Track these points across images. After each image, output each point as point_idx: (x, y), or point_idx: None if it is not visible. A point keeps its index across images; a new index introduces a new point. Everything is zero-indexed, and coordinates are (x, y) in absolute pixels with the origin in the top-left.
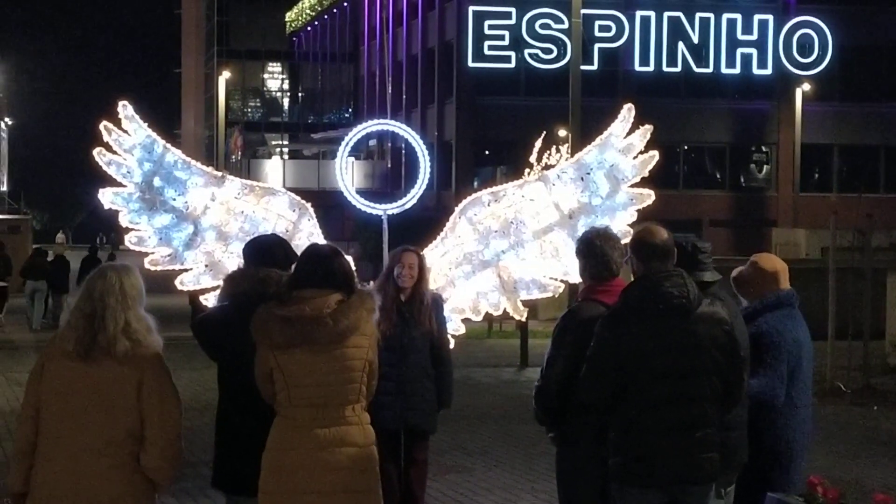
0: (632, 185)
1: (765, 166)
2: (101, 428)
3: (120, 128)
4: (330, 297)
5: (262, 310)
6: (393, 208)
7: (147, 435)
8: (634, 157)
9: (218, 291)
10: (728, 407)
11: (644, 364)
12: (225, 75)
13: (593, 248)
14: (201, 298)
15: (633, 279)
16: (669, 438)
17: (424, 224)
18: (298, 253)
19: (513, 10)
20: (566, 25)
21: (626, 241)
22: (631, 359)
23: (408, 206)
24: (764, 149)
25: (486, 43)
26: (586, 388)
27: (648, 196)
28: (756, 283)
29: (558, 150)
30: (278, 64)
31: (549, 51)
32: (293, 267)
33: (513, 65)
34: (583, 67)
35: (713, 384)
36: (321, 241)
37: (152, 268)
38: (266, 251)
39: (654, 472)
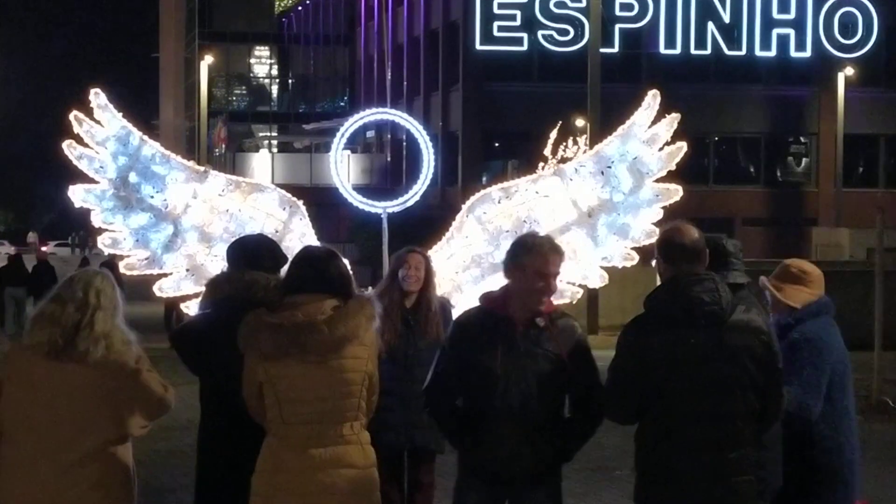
0: (657, 180)
1: (804, 159)
2: (75, 439)
3: (92, 118)
4: (325, 302)
5: (250, 317)
6: (393, 206)
7: (136, 422)
8: (660, 149)
9: (200, 298)
10: (765, 425)
11: (671, 377)
12: (207, 60)
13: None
14: (182, 306)
15: (658, 283)
16: (699, 459)
17: (428, 223)
18: (289, 255)
19: None
20: (584, 4)
21: (650, 241)
22: (657, 371)
23: (409, 203)
24: (803, 140)
25: (496, 24)
26: (609, 403)
27: (675, 192)
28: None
29: (576, 142)
30: (266, 47)
31: (566, 32)
32: (284, 270)
33: (525, 47)
34: (602, 50)
35: (748, 400)
36: (314, 242)
37: (128, 272)
38: (252, 253)
39: (682, 497)
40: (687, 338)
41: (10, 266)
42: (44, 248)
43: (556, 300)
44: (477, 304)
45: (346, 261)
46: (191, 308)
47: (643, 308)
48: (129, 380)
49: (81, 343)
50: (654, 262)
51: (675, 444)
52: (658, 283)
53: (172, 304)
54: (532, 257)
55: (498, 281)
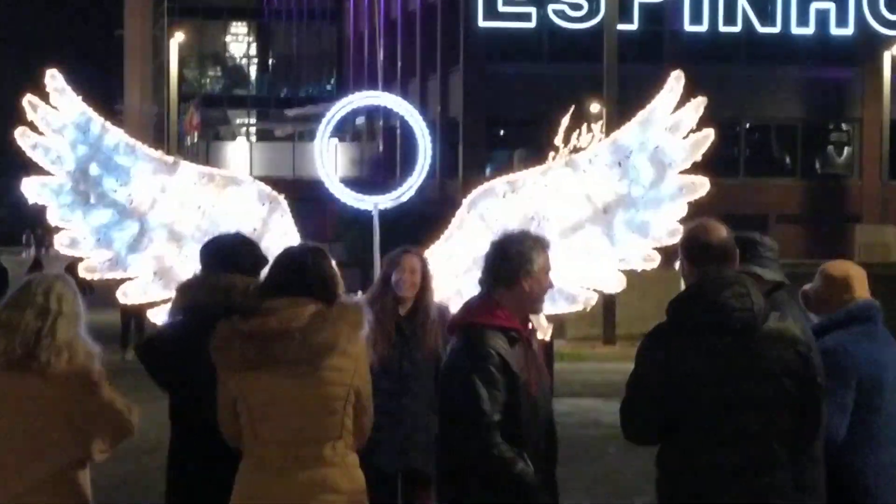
0: (681, 172)
1: (845, 148)
2: (29, 462)
3: (48, 103)
4: (304, 308)
5: (222, 324)
6: (385, 201)
7: (96, 446)
8: (684, 138)
9: (170, 305)
10: (802, 446)
11: (697, 393)
12: (178, 38)
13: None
14: (149, 313)
15: (683, 287)
16: (730, 485)
17: (425, 221)
18: (269, 256)
19: None
20: None
21: (674, 240)
22: (681, 387)
23: (404, 198)
24: (844, 127)
25: None
26: (628, 422)
27: (702, 185)
28: (828, 296)
29: (590, 129)
30: (244, 24)
31: (579, 6)
32: (264, 273)
33: (533, 24)
34: (620, 27)
35: (784, 418)
36: (297, 241)
37: (88, 275)
38: (229, 254)
39: None
40: (715, 349)
41: None
42: None
43: (569, 307)
44: (467, 324)
45: (333, 261)
46: (158, 316)
47: (665, 315)
48: (93, 396)
49: (42, 353)
50: (677, 264)
51: (702, 468)
52: (682, 287)
53: (132, 312)
54: (540, 255)
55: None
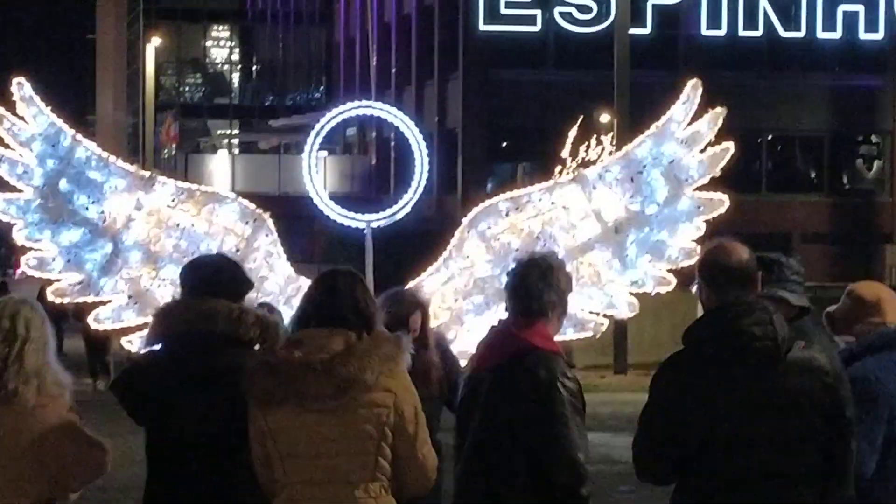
0: (698, 188)
1: (875, 162)
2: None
3: (14, 113)
4: (334, 338)
5: (251, 356)
6: (379, 219)
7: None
8: (702, 151)
9: (147, 331)
10: (832, 487)
11: (714, 428)
12: (154, 42)
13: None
14: (123, 341)
15: (700, 313)
16: None
17: (421, 240)
18: (254, 278)
19: None
20: None
21: (690, 262)
22: (697, 421)
23: (399, 216)
24: (874, 139)
25: None
26: (641, 459)
27: (720, 202)
28: (854, 319)
29: (600, 142)
30: (226, 27)
31: (587, 9)
32: (249, 298)
33: (538, 27)
34: (632, 31)
35: (809, 456)
36: (282, 262)
37: (58, 299)
38: (211, 276)
39: None
40: (734, 380)
41: None
42: None
43: (578, 333)
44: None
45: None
46: (133, 343)
47: (682, 344)
48: (63, 431)
49: (10, 381)
50: (694, 288)
51: None
52: (700, 312)
53: (100, 339)
54: (569, 279)
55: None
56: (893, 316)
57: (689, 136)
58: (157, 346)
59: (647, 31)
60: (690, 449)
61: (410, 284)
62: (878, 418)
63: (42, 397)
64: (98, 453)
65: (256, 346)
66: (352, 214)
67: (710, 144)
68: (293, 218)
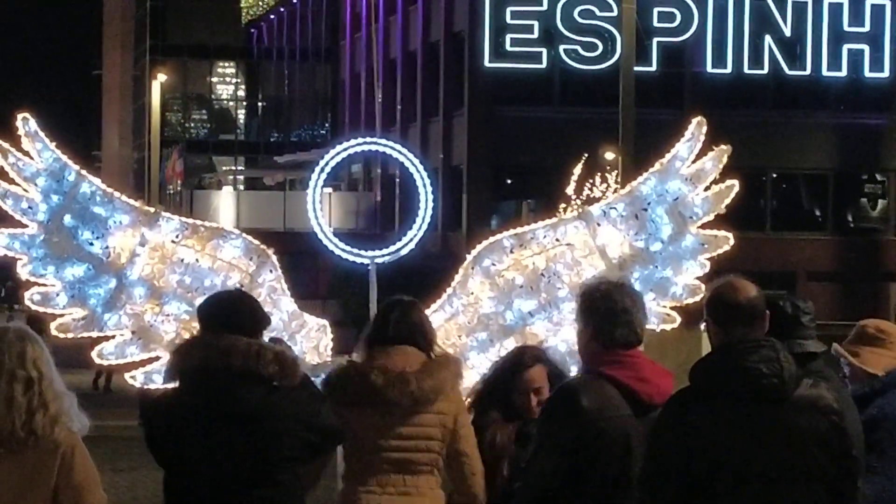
0: (702, 226)
1: (880, 201)
2: None
3: (19, 149)
4: (410, 356)
5: (342, 366)
6: (383, 256)
7: None
8: (706, 189)
9: (166, 366)
10: None
11: (719, 465)
12: (160, 79)
13: (607, 300)
14: (127, 376)
15: (708, 350)
16: None
17: (426, 277)
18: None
19: None
20: (615, 13)
21: (694, 299)
22: (704, 458)
23: (403, 252)
24: (879, 178)
25: (509, 36)
26: (647, 496)
27: (725, 240)
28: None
29: (604, 179)
30: (231, 64)
31: (593, 46)
32: (266, 334)
33: (544, 65)
34: (637, 69)
35: (815, 494)
36: (287, 298)
37: (61, 335)
38: (228, 312)
39: None
40: (740, 417)
41: None
42: None
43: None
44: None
45: (324, 322)
46: (136, 378)
47: (688, 381)
48: (87, 474)
49: (38, 427)
50: (702, 325)
51: None
52: (707, 349)
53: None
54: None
55: (509, 347)
56: None
57: (693, 174)
58: (175, 384)
59: (652, 68)
60: (694, 486)
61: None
62: None
63: (71, 436)
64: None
65: (275, 383)
66: (356, 251)
67: (715, 182)
68: (298, 254)
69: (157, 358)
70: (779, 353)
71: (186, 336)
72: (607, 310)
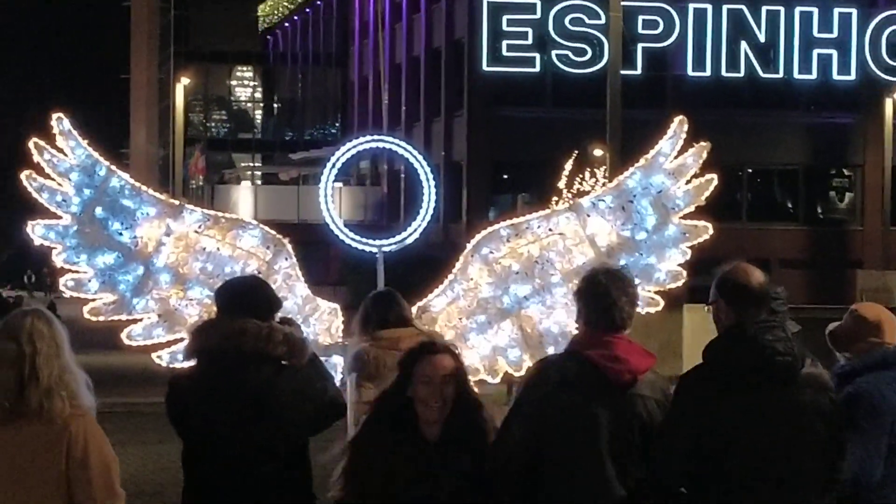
0: (684, 216)
1: (847, 194)
2: None
3: (54, 146)
4: (415, 336)
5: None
6: (390, 245)
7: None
8: (687, 182)
9: (184, 347)
10: (825, 494)
11: (738, 437)
12: (183, 82)
13: (596, 287)
14: (154, 356)
15: (719, 330)
16: None
17: (429, 264)
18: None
19: (537, 1)
20: (603, 21)
21: (676, 284)
22: (720, 429)
23: (408, 242)
24: (846, 172)
25: (505, 42)
26: (661, 467)
27: (704, 230)
28: (856, 337)
29: (593, 174)
30: (249, 68)
31: (583, 52)
32: (277, 316)
33: (537, 69)
34: (623, 72)
35: (817, 465)
36: (301, 284)
37: (93, 318)
38: (243, 297)
39: None
40: (757, 393)
41: None
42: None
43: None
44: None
45: (336, 305)
46: (163, 358)
47: (703, 358)
48: (96, 446)
49: (32, 398)
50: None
51: None
52: (686, 331)
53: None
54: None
55: (506, 329)
56: (892, 337)
57: (675, 169)
58: (193, 363)
59: (637, 72)
60: (712, 457)
61: (419, 304)
62: (882, 430)
63: (69, 403)
64: (115, 470)
65: (284, 362)
66: (364, 240)
67: (696, 176)
68: (311, 243)
69: (182, 339)
70: (787, 332)
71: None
72: (594, 296)
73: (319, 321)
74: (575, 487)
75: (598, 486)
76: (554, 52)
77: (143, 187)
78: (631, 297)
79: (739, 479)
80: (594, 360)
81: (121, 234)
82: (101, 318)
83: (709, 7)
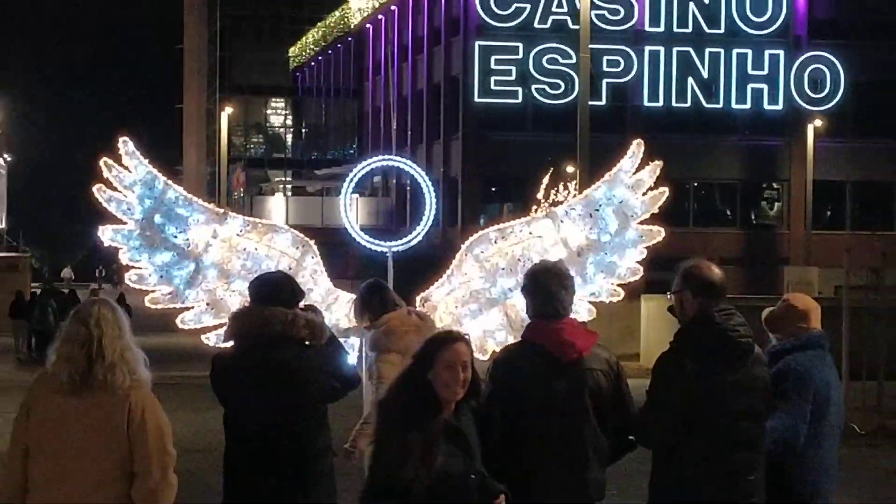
0: (641, 222)
1: (776, 203)
2: (94, 465)
3: (120, 164)
4: (413, 317)
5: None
6: (398, 246)
7: (139, 467)
8: (644, 194)
9: (224, 330)
10: (762, 451)
11: (707, 404)
12: (227, 111)
13: (537, 283)
14: (203, 337)
15: (687, 317)
16: (729, 484)
17: (430, 262)
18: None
19: (520, 45)
20: (574, 60)
21: (634, 278)
22: (695, 399)
23: (413, 243)
24: (775, 186)
25: (493, 78)
26: (648, 428)
27: (658, 233)
28: (787, 322)
29: (566, 187)
30: (281, 99)
31: (557, 86)
32: (301, 304)
33: (520, 100)
34: (591, 103)
35: (757, 427)
36: (325, 279)
37: (153, 306)
38: (271, 289)
39: None
40: (723, 368)
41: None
42: (64, 277)
43: None
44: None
45: (352, 295)
46: (210, 339)
47: (674, 342)
48: (152, 412)
49: (98, 373)
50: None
51: (712, 470)
52: (644, 319)
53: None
54: None
55: (494, 315)
56: (816, 323)
57: (634, 183)
58: (231, 343)
59: (602, 103)
60: (686, 421)
61: (422, 295)
62: (807, 400)
63: (130, 377)
64: (168, 433)
65: (307, 342)
66: (377, 242)
67: (650, 189)
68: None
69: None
70: (743, 319)
71: None
72: (536, 291)
73: (340, 309)
74: (544, 445)
75: (561, 443)
76: (533, 86)
77: (194, 198)
78: (568, 288)
79: (710, 438)
80: (545, 346)
81: (175, 237)
82: (159, 306)
83: (661, 49)
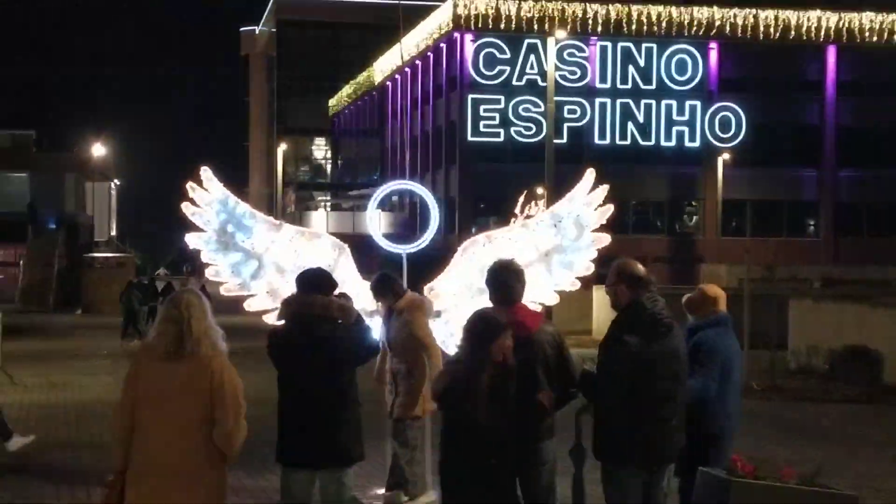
0: (593, 231)
1: (694, 216)
2: (184, 414)
3: (202, 187)
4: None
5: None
6: (411, 248)
7: (218, 415)
8: (595, 209)
9: (277, 312)
10: (682, 405)
11: (641, 370)
12: (282, 147)
13: (496, 277)
14: (265, 317)
15: (621, 304)
16: (660, 429)
17: (435, 261)
18: (340, 284)
19: (502, 97)
20: (542, 109)
21: (587, 273)
22: (635, 364)
23: (422, 246)
24: (694, 203)
25: (482, 122)
26: (601, 388)
27: (605, 239)
28: (702, 305)
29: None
30: (323, 138)
31: (530, 128)
32: (336, 292)
33: (502, 139)
34: (555, 141)
35: (678, 387)
36: (356, 274)
37: (226, 293)
38: (313, 281)
39: (648, 454)
40: (653, 342)
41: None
42: (162, 274)
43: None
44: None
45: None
46: (269, 318)
47: (614, 322)
48: (229, 373)
49: (187, 344)
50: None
51: (646, 419)
52: (595, 304)
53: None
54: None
55: (482, 301)
56: (723, 306)
57: (588, 201)
58: (282, 322)
59: (563, 141)
60: (629, 383)
61: (430, 285)
62: (715, 364)
63: (212, 348)
64: (240, 394)
65: (339, 321)
66: (395, 246)
67: (600, 205)
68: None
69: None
70: (663, 302)
71: None
72: (494, 283)
73: (366, 296)
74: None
75: (519, 398)
76: (512, 129)
77: (258, 213)
78: (520, 279)
79: (645, 395)
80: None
81: (243, 241)
82: (231, 294)
83: (608, 100)
